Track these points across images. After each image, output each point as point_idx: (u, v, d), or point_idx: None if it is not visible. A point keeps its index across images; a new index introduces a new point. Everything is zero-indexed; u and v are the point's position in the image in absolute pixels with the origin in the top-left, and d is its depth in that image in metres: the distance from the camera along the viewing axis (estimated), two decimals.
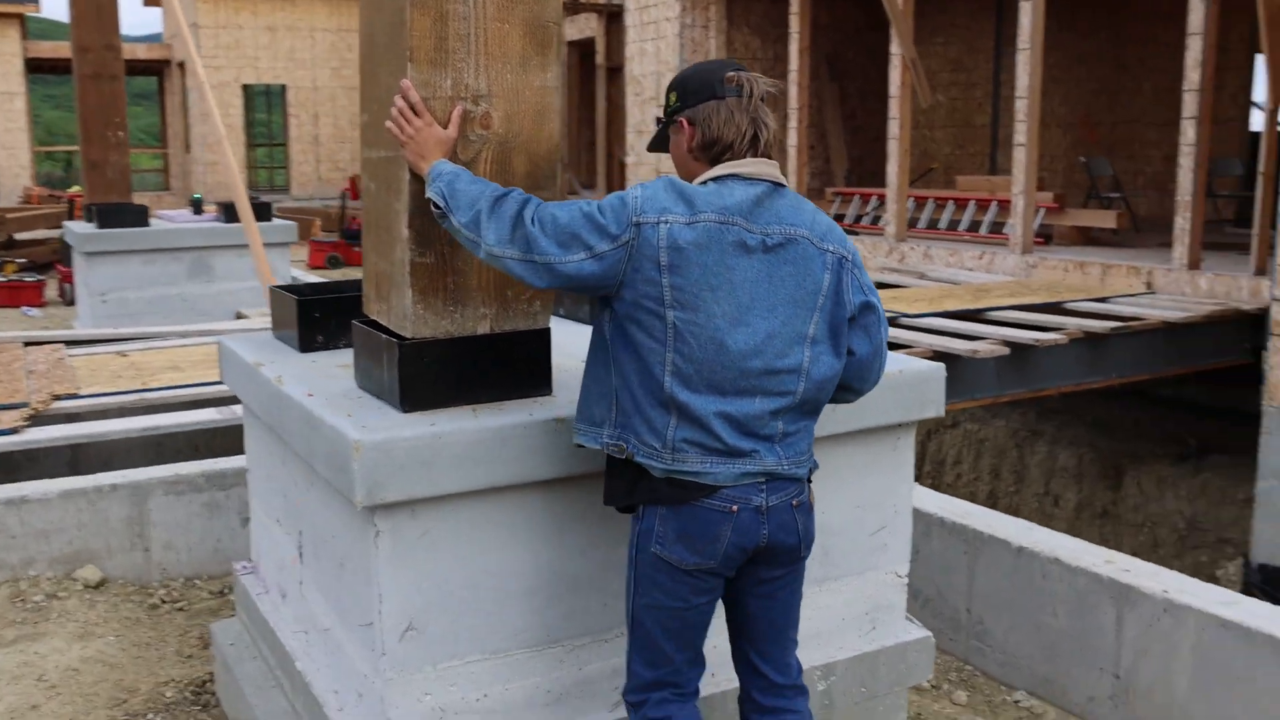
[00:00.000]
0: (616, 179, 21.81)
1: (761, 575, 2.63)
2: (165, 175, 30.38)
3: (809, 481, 2.64)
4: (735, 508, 2.50)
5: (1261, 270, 9.03)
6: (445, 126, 2.69)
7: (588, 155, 25.68)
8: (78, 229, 10.07)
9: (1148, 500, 10.26)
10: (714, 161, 2.57)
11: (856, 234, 14.06)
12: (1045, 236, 12.22)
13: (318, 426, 2.81)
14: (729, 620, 2.74)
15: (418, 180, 2.69)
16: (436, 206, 2.56)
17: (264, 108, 29.55)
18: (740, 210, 2.49)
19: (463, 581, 2.79)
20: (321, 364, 3.40)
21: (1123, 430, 11.18)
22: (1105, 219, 11.84)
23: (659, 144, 2.77)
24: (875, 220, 14.41)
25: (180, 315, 9.73)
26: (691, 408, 2.46)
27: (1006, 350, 7.53)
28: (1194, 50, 9.20)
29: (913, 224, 13.70)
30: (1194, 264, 9.54)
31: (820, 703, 3.27)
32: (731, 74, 2.57)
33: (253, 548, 4.02)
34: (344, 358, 3.48)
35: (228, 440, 7.26)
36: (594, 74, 22.87)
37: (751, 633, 2.71)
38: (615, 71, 21.83)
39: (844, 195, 15.30)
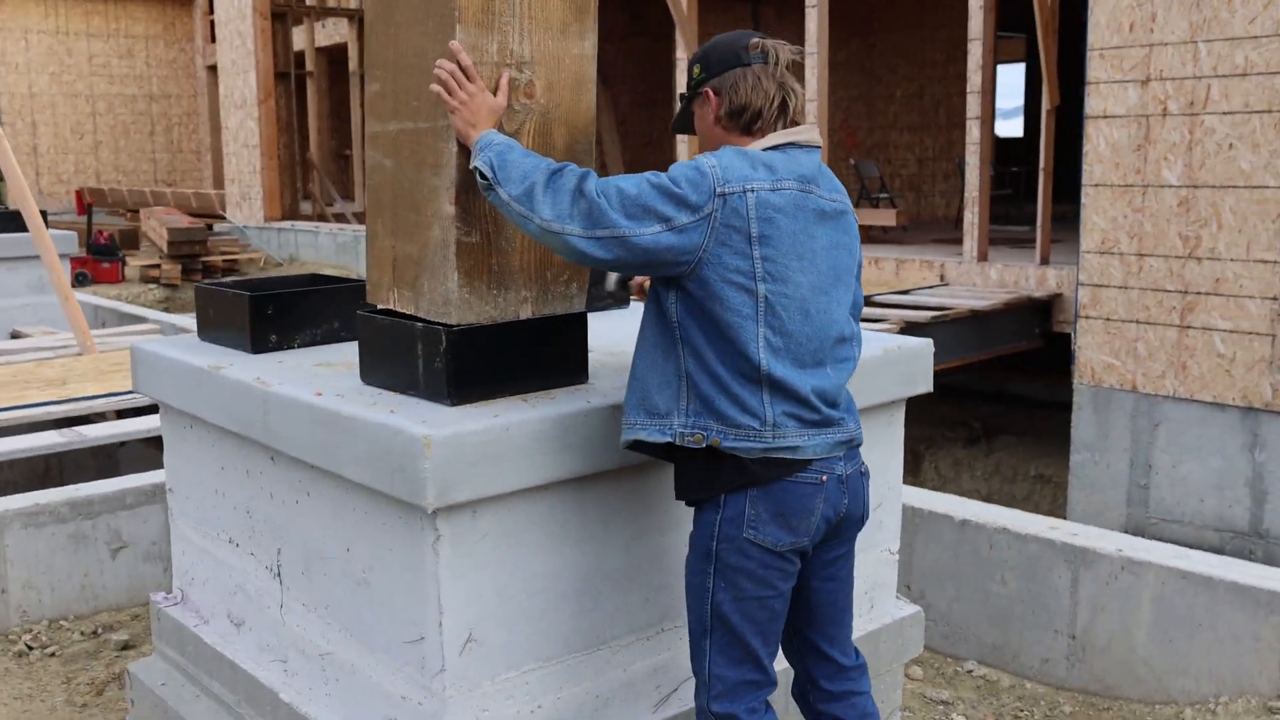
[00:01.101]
0: None
1: (826, 555, 2.58)
2: None
3: None
4: (825, 478, 2.45)
5: (1045, 260, 9.71)
6: (494, 94, 2.49)
7: (338, 165, 24.85)
8: None
9: (945, 482, 10.82)
10: (745, 129, 2.50)
11: None
12: None
13: (351, 428, 2.54)
14: (791, 607, 2.65)
15: (465, 152, 2.48)
16: (484, 178, 2.38)
17: None
18: (813, 178, 2.46)
19: (520, 585, 2.60)
20: (292, 363, 3.09)
21: (911, 417, 11.75)
22: (887, 217, 12.46)
23: (683, 123, 2.68)
24: None
25: None
26: (787, 381, 2.38)
27: None
28: (975, 55, 9.80)
29: None
30: (983, 256, 10.14)
31: None
32: (755, 40, 2.52)
33: (178, 576, 3.61)
34: (314, 356, 3.19)
35: (14, 472, 6.56)
36: (346, 81, 22.13)
37: (817, 617, 2.64)
38: None
39: None
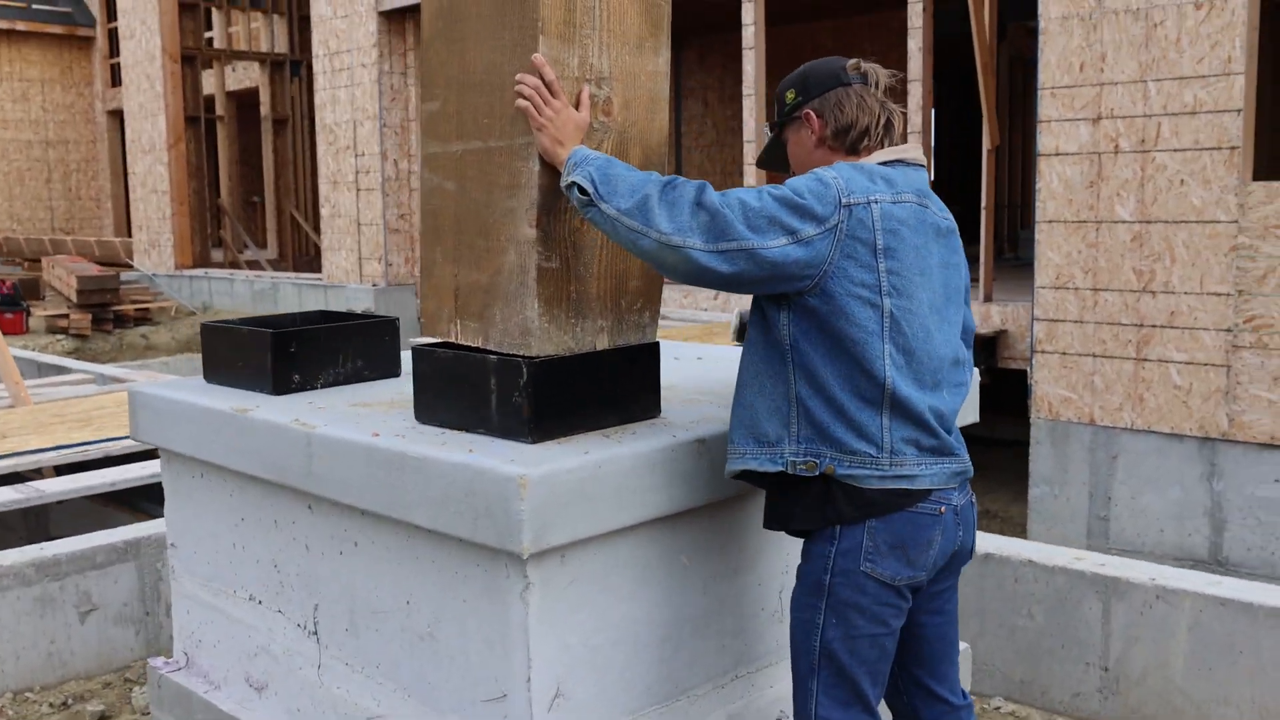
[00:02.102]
0: (289, 234, 20.73)
1: (932, 589, 2.47)
2: None
3: None
4: (943, 509, 2.34)
5: (989, 297, 9.80)
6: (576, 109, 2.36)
7: (247, 211, 24.29)
8: None
9: None
10: (851, 150, 2.42)
11: None
12: None
13: (421, 469, 2.35)
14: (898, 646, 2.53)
15: (548, 172, 2.33)
16: (584, 193, 2.23)
17: None
18: (928, 193, 2.38)
19: (606, 634, 2.43)
20: (324, 404, 2.88)
21: None
22: None
23: (772, 155, 2.58)
24: None
25: None
26: (910, 401, 2.27)
27: None
28: (915, 95, 9.91)
29: None
30: None
31: None
32: (854, 61, 2.46)
33: (181, 638, 3.35)
34: (344, 396, 2.98)
35: None
36: (256, 126, 21.69)
37: (925, 655, 2.52)
38: (280, 123, 20.81)
39: None
